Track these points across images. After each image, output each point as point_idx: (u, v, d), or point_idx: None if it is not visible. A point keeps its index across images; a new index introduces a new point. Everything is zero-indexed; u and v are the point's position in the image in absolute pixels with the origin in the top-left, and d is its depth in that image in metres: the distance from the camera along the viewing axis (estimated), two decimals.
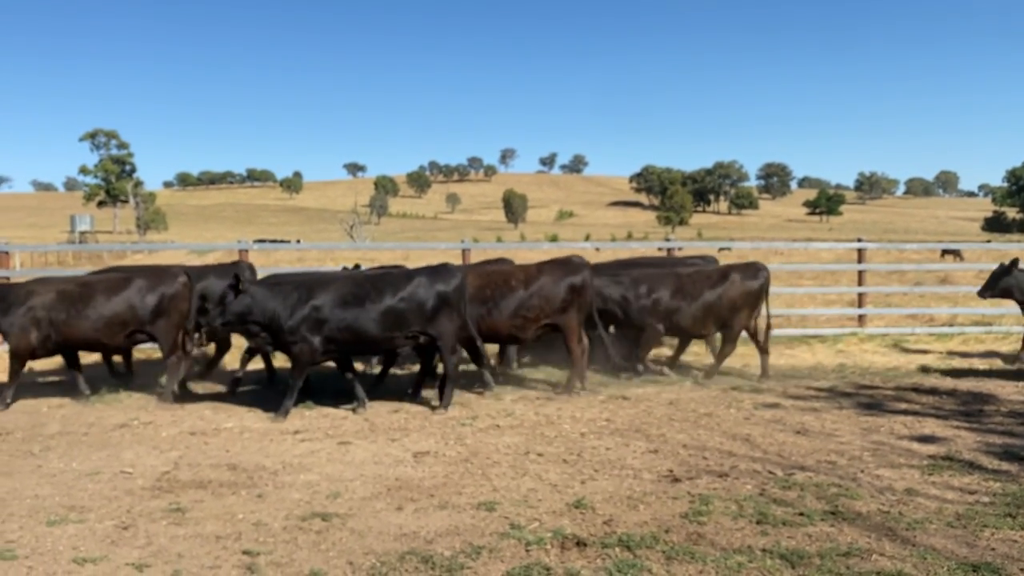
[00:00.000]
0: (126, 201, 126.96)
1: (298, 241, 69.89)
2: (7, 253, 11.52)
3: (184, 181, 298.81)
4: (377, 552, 4.68)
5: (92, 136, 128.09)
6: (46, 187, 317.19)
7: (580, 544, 4.77)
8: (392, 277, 8.47)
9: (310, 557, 4.62)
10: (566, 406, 8.51)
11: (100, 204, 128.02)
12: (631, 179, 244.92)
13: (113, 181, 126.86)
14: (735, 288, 9.75)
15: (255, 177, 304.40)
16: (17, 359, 8.55)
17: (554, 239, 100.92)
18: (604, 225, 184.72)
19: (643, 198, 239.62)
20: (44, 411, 8.45)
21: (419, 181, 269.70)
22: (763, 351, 9.98)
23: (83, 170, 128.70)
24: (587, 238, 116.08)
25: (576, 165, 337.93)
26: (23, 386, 8.94)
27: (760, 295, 9.91)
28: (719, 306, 9.71)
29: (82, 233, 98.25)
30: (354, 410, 8.30)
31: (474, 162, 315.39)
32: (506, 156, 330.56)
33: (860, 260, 14.18)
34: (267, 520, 5.21)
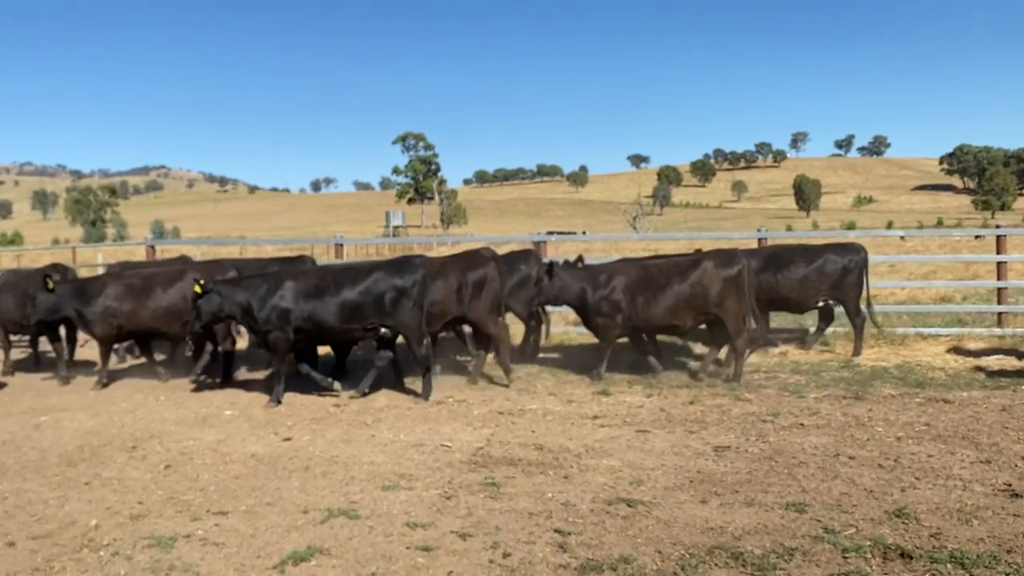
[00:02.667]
0: (432, 198, 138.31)
1: (584, 232, 71.59)
2: (341, 245, 13.07)
3: (481, 178, 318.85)
4: (684, 543, 4.68)
5: (403, 139, 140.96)
6: (365, 186, 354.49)
7: (904, 556, 4.42)
8: (353, 271, 8.75)
9: (618, 541, 4.73)
10: (878, 407, 7.91)
11: (410, 201, 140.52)
12: (941, 160, 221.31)
13: (421, 180, 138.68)
14: (708, 277, 9.10)
15: (544, 172, 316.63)
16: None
17: (851, 227, 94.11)
18: (908, 211, 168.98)
19: (955, 181, 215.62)
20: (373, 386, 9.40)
21: (703, 169, 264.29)
22: None
23: (395, 170, 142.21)
24: (889, 225, 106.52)
25: (876, 147, 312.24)
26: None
27: (740, 284, 9.13)
28: (692, 297, 9.13)
29: (395, 228, 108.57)
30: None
31: (762, 148, 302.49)
32: (797, 140, 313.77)
33: None
34: (575, 501, 5.41)
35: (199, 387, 9.50)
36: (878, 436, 6.91)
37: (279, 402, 8.45)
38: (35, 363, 11.43)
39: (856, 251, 10.68)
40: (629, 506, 5.30)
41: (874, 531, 4.80)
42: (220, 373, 9.67)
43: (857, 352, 10.46)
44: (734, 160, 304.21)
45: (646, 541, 4.74)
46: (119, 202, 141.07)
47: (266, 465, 6.35)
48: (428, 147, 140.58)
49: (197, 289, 8.48)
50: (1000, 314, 11.43)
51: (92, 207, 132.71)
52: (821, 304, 10.73)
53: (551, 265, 9.47)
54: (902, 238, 41.30)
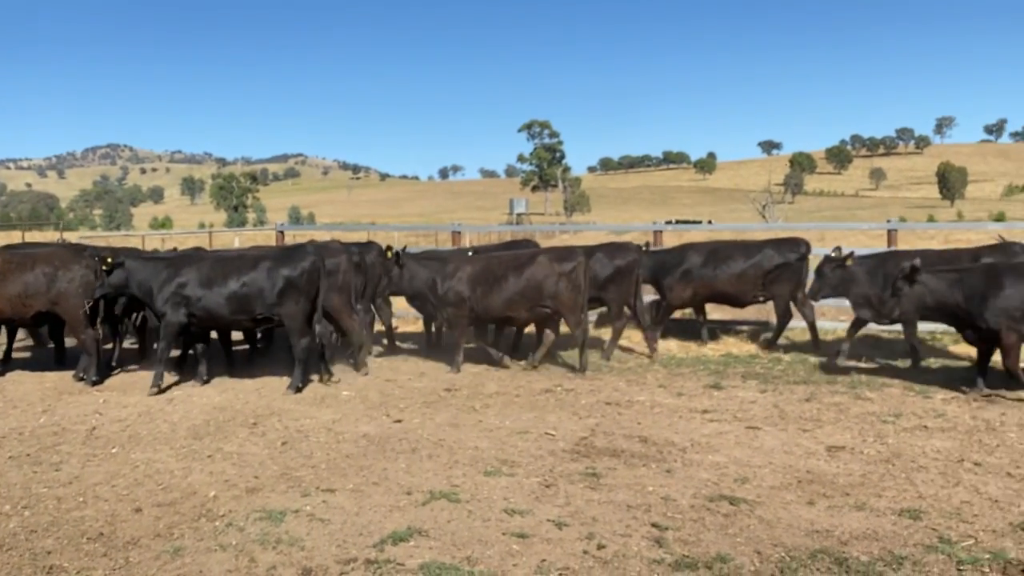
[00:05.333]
0: (556, 185, 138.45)
1: (709, 222, 69.99)
2: (459, 232, 13.30)
3: (606, 166, 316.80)
4: (786, 545, 4.54)
5: (528, 127, 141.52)
6: (490, 174, 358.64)
7: None
8: (241, 260, 8.69)
9: (717, 540, 4.64)
10: (1011, 411, 7.40)
11: (534, 189, 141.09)
12: None
13: (545, 167, 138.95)
14: (542, 272, 9.23)
15: (670, 159, 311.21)
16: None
17: (1000, 218, 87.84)
18: None
19: None
20: (484, 372, 9.56)
21: (839, 156, 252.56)
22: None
23: (520, 158, 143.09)
24: None
25: None
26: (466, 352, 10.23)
27: (578, 277, 9.25)
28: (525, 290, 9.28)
29: (519, 215, 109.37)
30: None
31: (903, 133, 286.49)
32: (942, 125, 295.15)
33: None
34: (675, 496, 5.34)
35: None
36: (1009, 442, 6.47)
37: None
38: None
39: (797, 246, 10.58)
40: (731, 504, 5.18)
41: (995, 543, 4.51)
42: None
43: (815, 346, 10.37)
44: (872, 146, 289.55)
45: (746, 541, 4.62)
46: (259, 188, 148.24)
47: (376, 445, 6.57)
48: (553, 135, 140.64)
49: (105, 266, 8.75)
50: None
51: (235, 193, 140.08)
52: (762, 299, 10.73)
53: (398, 255, 9.60)
54: None
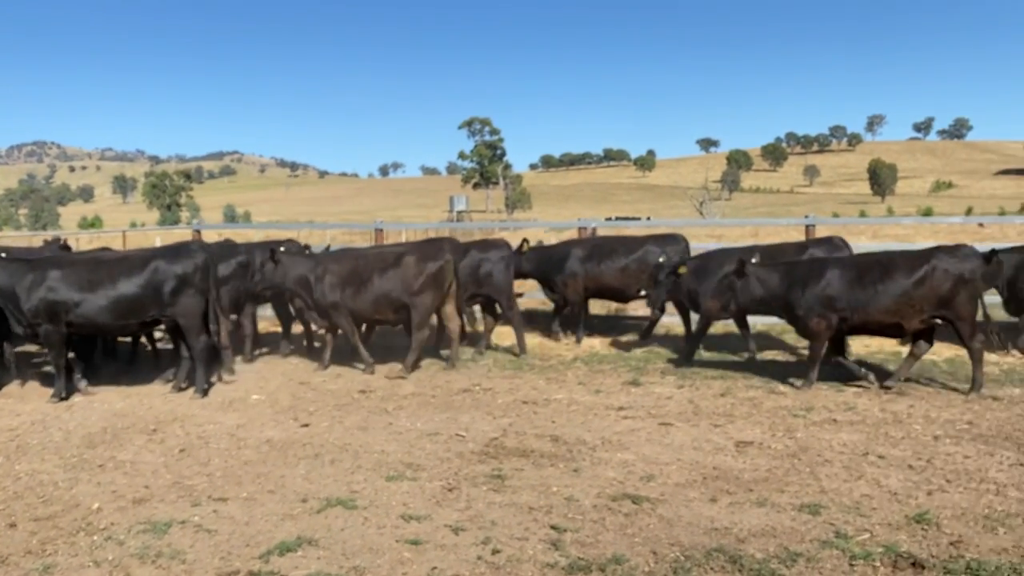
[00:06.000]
0: (497, 183, 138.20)
1: (648, 218, 70.73)
2: (381, 231, 13.05)
3: (547, 163, 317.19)
4: (683, 544, 4.48)
5: (469, 124, 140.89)
6: (432, 171, 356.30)
7: (916, 565, 4.15)
8: (128, 261, 8.32)
9: (615, 540, 4.56)
10: (919, 404, 7.51)
11: (475, 186, 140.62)
12: None
13: (486, 165, 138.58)
14: (408, 271, 9.08)
15: (611, 157, 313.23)
16: None
17: (927, 213, 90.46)
18: (990, 197, 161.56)
19: None
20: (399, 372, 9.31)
21: (774, 154, 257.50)
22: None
23: (461, 155, 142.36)
24: (968, 212, 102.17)
25: (958, 130, 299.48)
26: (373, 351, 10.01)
27: (443, 277, 9.21)
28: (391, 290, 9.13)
29: (459, 212, 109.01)
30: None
31: (836, 131, 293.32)
32: (873, 123, 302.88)
33: None
34: (579, 496, 5.25)
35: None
36: (914, 434, 6.55)
37: None
38: None
39: (676, 242, 10.86)
40: (634, 503, 5.11)
41: (890, 537, 4.52)
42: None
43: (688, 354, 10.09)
44: (807, 144, 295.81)
45: (644, 541, 4.55)
46: (193, 186, 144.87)
47: (278, 451, 6.34)
48: (494, 132, 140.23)
49: None
50: None
51: (168, 192, 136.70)
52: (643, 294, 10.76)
53: (273, 251, 9.46)
54: (980, 225, 39.47)
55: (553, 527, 4.73)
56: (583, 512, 4.98)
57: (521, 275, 11.19)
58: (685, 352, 9.72)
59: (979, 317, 7.96)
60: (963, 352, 9.47)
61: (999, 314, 9.73)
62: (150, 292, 8.11)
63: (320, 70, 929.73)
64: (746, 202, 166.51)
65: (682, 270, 9.33)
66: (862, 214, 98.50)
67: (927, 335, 8.14)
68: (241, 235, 17.42)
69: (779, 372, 8.86)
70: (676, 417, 7.22)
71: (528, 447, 6.36)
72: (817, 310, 7.93)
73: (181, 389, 8.47)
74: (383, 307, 9.23)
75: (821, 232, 11.78)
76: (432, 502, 5.18)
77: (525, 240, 11.27)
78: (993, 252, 9.23)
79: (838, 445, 6.29)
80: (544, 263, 11.01)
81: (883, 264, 7.97)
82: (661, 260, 9.69)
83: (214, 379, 8.69)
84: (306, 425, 7.12)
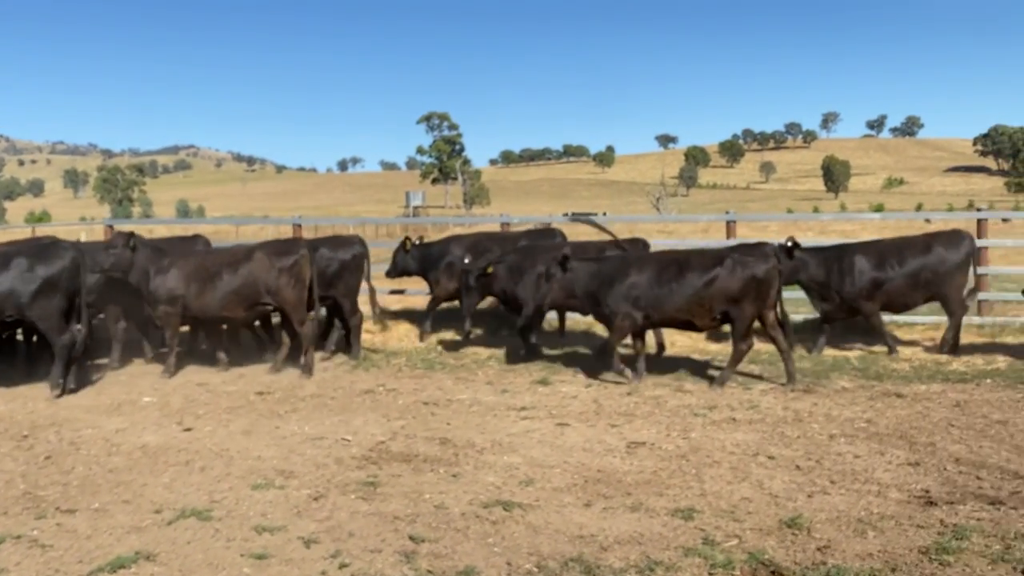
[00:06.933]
0: (456, 178, 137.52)
1: (604, 214, 70.86)
2: (300, 226, 12.72)
3: (507, 158, 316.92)
4: (542, 554, 4.28)
5: (427, 119, 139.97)
6: (391, 166, 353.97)
7: (776, 574, 4.00)
8: None
9: (472, 551, 4.35)
10: (823, 402, 7.43)
11: (434, 181, 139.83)
12: (975, 141, 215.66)
13: (444, 160, 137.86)
14: (259, 268, 8.72)
15: (571, 153, 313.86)
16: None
17: (879, 209, 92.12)
18: (940, 193, 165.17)
19: (990, 162, 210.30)
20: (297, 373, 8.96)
21: (732, 150, 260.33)
22: None
23: (420, 150, 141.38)
24: (918, 208, 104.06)
25: (909, 128, 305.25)
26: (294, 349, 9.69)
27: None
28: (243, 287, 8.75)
29: (415, 208, 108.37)
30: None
31: (792, 128, 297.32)
32: (828, 120, 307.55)
33: None
34: (450, 504, 5.03)
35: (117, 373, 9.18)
36: (810, 434, 6.44)
37: None
38: None
39: (552, 236, 11.11)
40: (505, 510, 4.91)
41: (757, 543, 4.37)
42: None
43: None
44: (763, 141, 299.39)
45: (503, 551, 4.35)
46: (146, 181, 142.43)
47: (149, 458, 6.04)
48: (452, 127, 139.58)
49: None
50: (980, 302, 10.82)
51: (120, 186, 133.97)
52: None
53: (129, 237, 8.94)
54: (927, 221, 40.08)
55: (412, 538, 4.51)
56: (449, 521, 4.77)
57: (406, 272, 11.16)
58: (523, 345, 9.65)
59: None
60: (877, 349, 9.50)
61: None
62: (7, 291, 7.73)
63: (278, 62, 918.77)
64: (704, 198, 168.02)
65: (489, 270, 9.34)
66: (815, 210, 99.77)
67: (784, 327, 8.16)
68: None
69: (693, 369, 8.75)
70: (576, 417, 7.04)
71: (413, 451, 6.14)
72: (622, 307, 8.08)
73: (72, 391, 8.11)
74: (233, 306, 8.79)
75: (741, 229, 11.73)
76: (293, 512, 4.92)
77: (408, 237, 11.11)
78: (795, 246, 9.24)
79: (731, 445, 6.16)
80: (425, 260, 11.00)
81: (679, 263, 8.03)
82: (467, 262, 9.61)
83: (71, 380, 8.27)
84: (189, 429, 6.82)
